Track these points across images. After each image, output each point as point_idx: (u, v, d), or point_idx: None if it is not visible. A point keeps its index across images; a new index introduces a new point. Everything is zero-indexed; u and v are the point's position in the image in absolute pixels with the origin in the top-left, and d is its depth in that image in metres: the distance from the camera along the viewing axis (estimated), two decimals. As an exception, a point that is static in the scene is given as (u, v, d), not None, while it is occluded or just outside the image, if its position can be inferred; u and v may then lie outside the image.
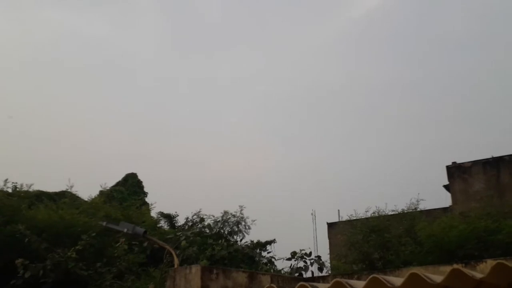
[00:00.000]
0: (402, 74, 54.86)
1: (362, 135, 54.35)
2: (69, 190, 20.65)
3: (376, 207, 21.09)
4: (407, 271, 5.76)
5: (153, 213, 25.06)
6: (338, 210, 29.83)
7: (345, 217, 24.64)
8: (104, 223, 10.96)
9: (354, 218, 21.65)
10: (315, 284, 5.70)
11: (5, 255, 14.93)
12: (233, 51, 58.11)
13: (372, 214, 20.64)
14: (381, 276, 5.31)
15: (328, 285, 5.57)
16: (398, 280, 5.48)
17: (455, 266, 5.41)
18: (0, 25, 51.47)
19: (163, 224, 25.05)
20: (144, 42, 56.61)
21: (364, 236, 19.30)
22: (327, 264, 21.23)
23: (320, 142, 55.18)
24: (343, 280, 5.46)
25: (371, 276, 5.32)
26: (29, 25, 53.16)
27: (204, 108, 56.20)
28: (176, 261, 9.18)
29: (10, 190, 18.45)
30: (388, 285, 5.25)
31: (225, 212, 24.77)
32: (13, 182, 18.76)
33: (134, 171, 29.33)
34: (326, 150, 54.68)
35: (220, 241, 19.18)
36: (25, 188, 19.09)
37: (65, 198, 19.93)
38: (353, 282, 5.65)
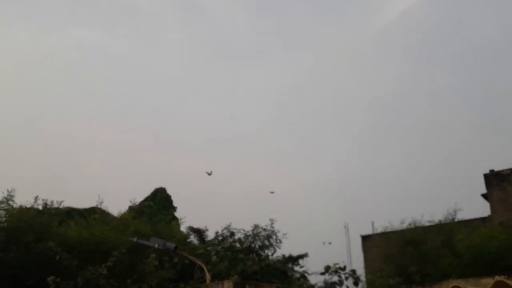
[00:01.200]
0: (433, 80, 54.14)
1: (395, 144, 53.75)
2: (99, 206, 20.87)
3: (412, 218, 20.78)
4: (448, 284, 5.62)
5: (183, 228, 25.16)
6: (372, 222, 29.46)
7: (379, 229, 24.31)
8: (135, 239, 11.03)
9: (389, 230, 21.36)
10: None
11: (37, 272, 15.15)
12: (257, 63, 58.27)
13: (408, 226, 20.35)
14: (420, 290, 5.19)
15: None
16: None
17: (498, 278, 5.26)
18: (29, 44, 52.72)
19: (193, 239, 25.11)
20: (169, 58, 57.28)
21: (400, 249, 19.03)
22: (362, 278, 20.96)
23: (351, 153, 54.74)
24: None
25: (410, 290, 5.21)
26: (55, 45, 54.31)
27: (232, 121, 56.42)
28: (208, 276, 9.18)
29: (40, 207, 18.73)
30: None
31: (256, 226, 24.70)
32: (43, 199, 19.05)
33: (163, 186, 29.55)
34: (358, 161, 54.20)
35: (251, 255, 19.14)
36: (55, 205, 19.34)
37: (95, 214, 20.09)
38: (391, 296, 5.54)
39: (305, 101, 56.65)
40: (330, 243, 23.02)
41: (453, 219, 20.46)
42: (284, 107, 57.12)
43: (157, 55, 57.12)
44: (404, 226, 20.51)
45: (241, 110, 56.48)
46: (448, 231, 18.89)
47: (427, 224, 20.43)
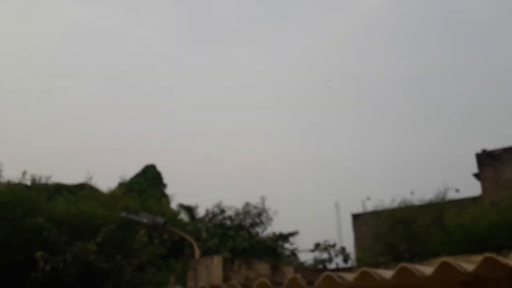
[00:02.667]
0: (432, 59, 54.13)
1: (388, 124, 53.90)
2: (88, 182, 20.87)
3: (402, 197, 20.89)
4: (437, 261, 5.68)
5: (173, 205, 25.25)
6: (363, 200, 29.64)
7: (370, 208, 24.49)
8: (124, 214, 11.07)
9: (380, 209, 21.49)
10: (341, 274, 5.66)
11: (25, 248, 15.16)
12: (248, 46, 57.93)
13: (399, 205, 20.45)
14: (410, 265, 5.24)
15: (355, 275, 5.52)
16: (428, 269, 5.41)
17: (488, 254, 5.32)
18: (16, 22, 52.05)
19: (183, 216, 25.22)
20: (159, 33, 56.76)
21: (390, 227, 19.16)
22: (352, 256, 21.18)
23: (345, 132, 54.85)
24: (370, 270, 5.41)
25: (399, 265, 5.26)
26: (43, 21, 53.62)
27: (223, 100, 56.21)
28: (197, 252, 9.23)
29: (28, 183, 18.68)
30: (418, 274, 5.19)
31: (247, 204, 24.82)
32: (31, 175, 19.00)
33: (153, 163, 29.53)
34: (351, 140, 54.35)
35: (241, 232, 19.25)
36: (43, 181, 19.31)
37: (84, 190, 20.11)
38: (380, 271, 5.59)
39: (297, 81, 56.45)
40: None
41: (443, 198, 20.60)
42: (276, 87, 56.96)
43: (144, 30, 56.48)
44: (395, 205, 20.62)
45: (232, 87, 56.22)
46: (438, 210, 19.01)
47: (418, 203, 20.55)
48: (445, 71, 53.44)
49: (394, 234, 18.87)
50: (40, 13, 54.08)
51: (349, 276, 5.60)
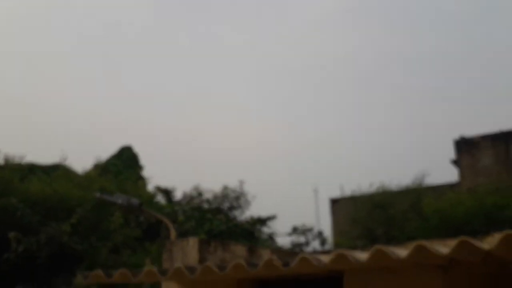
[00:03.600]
0: (408, 46, 54.42)
1: (366, 109, 54.17)
2: (62, 162, 20.68)
3: (380, 182, 21.11)
4: (412, 244, 5.75)
5: (150, 187, 25.14)
6: (341, 185, 29.84)
7: (348, 193, 24.70)
8: (98, 195, 11.00)
9: (358, 194, 21.70)
10: (316, 256, 5.69)
11: (-2, 228, 15.02)
12: (234, 19, 57.44)
13: (376, 190, 20.67)
14: (385, 248, 5.29)
15: (330, 257, 5.56)
16: (403, 252, 5.47)
17: (463, 238, 5.39)
18: None
19: (160, 198, 25.15)
20: (137, 7, 55.88)
21: (368, 212, 19.40)
22: (330, 240, 21.39)
23: (322, 116, 55.00)
24: (346, 252, 5.45)
25: (374, 247, 5.30)
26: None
27: (203, 77, 55.83)
28: (173, 233, 9.21)
29: (1, 162, 18.45)
30: (393, 256, 5.24)
31: (225, 187, 24.84)
32: (4, 154, 18.75)
33: (130, 144, 29.31)
34: (329, 124, 54.56)
35: (219, 216, 19.29)
36: (17, 160, 19.09)
37: (58, 170, 19.95)
38: (355, 254, 5.64)
39: (277, 60, 56.31)
40: None
41: (421, 184, 20.86)
42: (256, 66, 56.75)
43: (119, 7, 55.49)
44: (373, 190, 20.84)
45: (213, 65, 55.80)
46: (416, 196, 19.28)
47: (396, 188, 20.80)
48: (427, 54, 53.78)
49: (372, 218, 19.11)
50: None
51: (325, 258, 5.63)
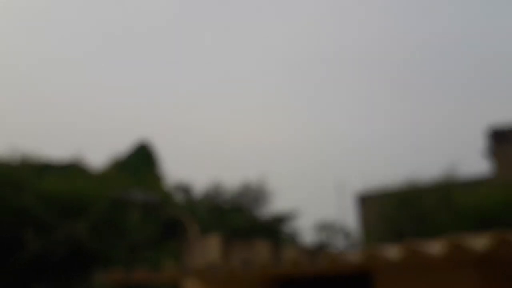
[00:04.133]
0: (435, 33, 53.72)
1: (393, 101, 53.74)
2: (78, 160, 20.89)
3: (409, 177, 20.90)
4: (446, 240, 5.67)
5: (168, 184, 25.27)
6: (368, 181, 29.69)
7: (375, 188, 24.52)
8: (118, 192, 11.08)
9: (385, 189, 21.53)
10: (344, 255, 5.65)
11: (14, 227, 15.21)
12: (250, 15, 57.33)
13: (405, 185, 20.46)
14: (417, 244, 5.23)
15: (358, 255, 5.51)
16: (436, 249, 5.40)
17: (498, 232, 5.30)
18: None
19: (179, 195, 25.28)
20: (157, 4, 56.14)
21: (396, 208, 19.22)
22: (355, 237, 21.27)
23: (348, 110, 54.65)
24: (374, 250, 5.39)
25: (405, 244, 5.24)
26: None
27: (222, 73, 55.90)
28: (194, 230, 9.22)
29: (17, 160, 18.67)
30: (425, 253, 5.18)
31: (246, 183, 24.91)
32: (19, 152, 18.97)
33: (147, 140, 29.46)
34: (354, 118, 54.20)
35: (239, 213, 19.31)
36: (32, 158, 19.29)
37: (74, 168, 20.15)
38: (385, 251, 5.58)
39: (299, 55, 56.08)
40: None
41: (451, 177, 20.59)
42: (277, 60, 56.58)
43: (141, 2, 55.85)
44: (401, 185, 20.63)
45: (232, 60, 55.81)
46: (446, 190, 19.04)
47: (424, 183, 20.56)
48: (451, 41, 53.08)
49: (400, 214, 18.92)
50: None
51: (353, 256, 5.59)
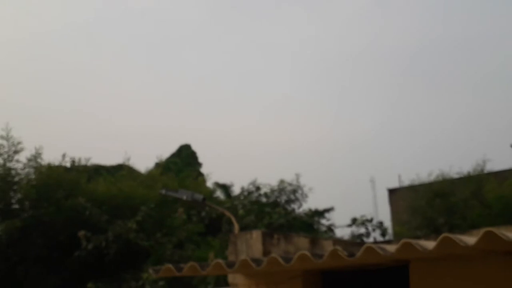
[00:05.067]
0: (463, 29, 52.65)
1: (421, 97, 52.93)
2: (126, 163, 21.24)
3: (440, 170, 20.60)
4: (478, 232, 5.57)
5: (209, 184, 25.46)
6: (399, 175, 29.37)
7: (406, 183, 24.24)
8: (164, 191, 11.23)
9: (417, 183, 21.26)
10: (382, 245, 5.60)
11: (68, 228, 15.56)
12: (278, 17, 57.22)
13: (436, 178, 20.18)
14: (453, 236, 5.14)
15: (397, 246, 5.46)
16: (471, 240, 5.30)
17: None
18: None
19: (219, 194, 25.42)
20: (189, 12, 56.57)
21: (428, 201, 18.97)
22: (389, 231, 21.04)
23: (379, 107, 54.01)
24: (412, 241, 5.33)
25: (442, 236, 5.16)
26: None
27: (254, 75, 55.98)
28: (237, 226, 9.28)
29: (68, 165, 19.07)
30: (461, 244, 5.09)
31: (281, 181, 24.85)
32: (71, 157, 19.39)
33: (188, 142, 29.79)
34: (385, 115, 53.56)
35: (277, 209, 19.28)
36: (83, 162, 19.69)
37: (122, 171, 20.48)
38: (422, 242, 5.51)
39: (328, 55, 55.74)
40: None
41: (482, 170, 20.23)
42: (308, 60, 56.33)
43: (174, 9, 56.13)
44: (432, 178, 20.38)
45: (261, 65, 55.87)
46: (477, 183, 18.72)
47: (456, 176, 20.26)
48: (478, 38, 51.98)
49: (432, 207, 18.68)
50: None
51: (391, 248, 5.53)
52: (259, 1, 56.37)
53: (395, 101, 53.49)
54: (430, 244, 5.52)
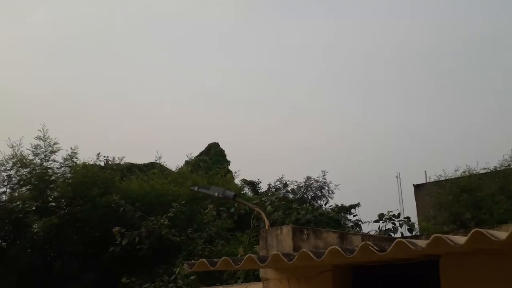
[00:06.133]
0: (495, 24, 51.57)
1: (448, 92, 52.09)
2: (157, 161, 21.47)
3: (466, 166, 20.28)
4: (508, 227, 5.46)
5: (237, 181, 25.56)
6: (425, 171, 29.02)
7: (433, 178, 23.94)
8: (196, 188, 11.28)
9: (443, 178, 20.97)
10: (413, 240, 5.52)
11: (103, 224, 15.78)
12: (306, 13, 56.90)
13: (462, 174, 19.88)
14: (484, 230, 5.04)
15: (427, 241, 5.37)
16: (502, 234, 5.19)
17: None
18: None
19: (247, 191, 25.51)
20: (215, 14, 56.68)
21: (455, 196, 18.69)
22: (416, 226, 20.77)
23: (404, 103, 53.37)
24: (444, 236, 5.24)
25: (474, 230, 5.06)
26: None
27: (280, 72, 55.79)
28: (267, 222, 9.26)
29: (102, 164, 19.37)
30: (493, 238, 4.98)
31: (308, 178, 24.81)
32: (105, 156, 19.71)
33: (216, 141, 29.92)
34: (411, 110, 52.88)
35: (304, 205, 19.18)
36: (116, 161, 19.99)
37: (154, 169, 20.70)
38: (453, 237, 5.41)
39: (353, 50, 55.24)
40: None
41: (509, 165, 19.86)
42: (334, 56, 55.91)
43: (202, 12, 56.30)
44: (458, 174, 20.09)
45: (288, 58, 55.52)
46: (504, 178, 18.37)
47: (482, 171, 19.92)
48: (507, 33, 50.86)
49: (459, 203, 18.40)
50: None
51: (422, 243, 5.45)
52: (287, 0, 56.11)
53: (420, 96, 52.85)
54: (460, 239, 5.42)
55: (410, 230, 14.16)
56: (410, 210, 27.37)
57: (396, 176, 28.97)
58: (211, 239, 15.22)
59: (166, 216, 14.87)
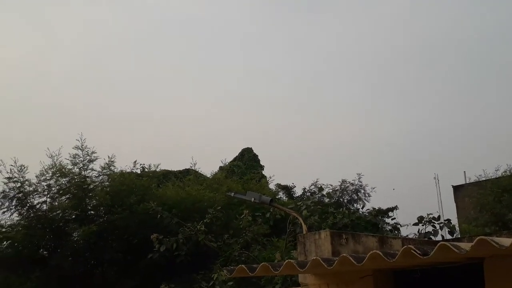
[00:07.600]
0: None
1: (483, 90, 50.93)
2: (192, 167, 21.65)
3: (507, 165, 19.78)
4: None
5: (271, 186, 25.53)
6: (464, 171, 28.41)
7: (473, 179, 23.42)
8: (233, 194, 11.32)
9: (483, 178, 20.49)
10: (456, 243, 5.41)
11: (141, 231, 15.95)
12: (322, 16, 56.27)
13: (503, 173, 19.38)
14: (530, 232, 4.91)
15: (471, 243, 5.26)
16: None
17: None
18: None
19: (282, 195, 25.43)
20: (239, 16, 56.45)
21: (496, 197, 18.23)
22: (456, 228, 20.34)
23: (441, 102, 52.32)
24: (488, 238, 5.12)
25: (519, 232, 4.94)
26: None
27: (307, 78, 55.46)
28: (304, 227, 9.23)
29: (139, 171, 19.63)
30: (541, 240, 4.85)
31: (343, 181, 24.60)
32: (141, 164, 19.97)
33: (250, 146, 30.00)
34: (449, 111, 51.83)
35: (341, 209, 19.01)
36: (152, 169, 20.23)
37: (189, 175, 20.87)
38: (498, 239, 5.28)
39: (383, 51, 54.48)
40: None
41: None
42: (365, 58, 55.29)
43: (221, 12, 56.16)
44: (499, 173, 19.61)
45: (317, 61, 55.08)
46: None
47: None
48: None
49: (500, 203, 17.94)
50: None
51: (465, 246, 5.33)
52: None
53: (459, 97, 51.84)
54: (505, 241, 5.29)
55: (451, 232, 13.85)
56: (450, 212, 26.83)
57: (434, 178, 28.45)
58: (247, 245, 15.22)
59: (202, 222, 14.93)
